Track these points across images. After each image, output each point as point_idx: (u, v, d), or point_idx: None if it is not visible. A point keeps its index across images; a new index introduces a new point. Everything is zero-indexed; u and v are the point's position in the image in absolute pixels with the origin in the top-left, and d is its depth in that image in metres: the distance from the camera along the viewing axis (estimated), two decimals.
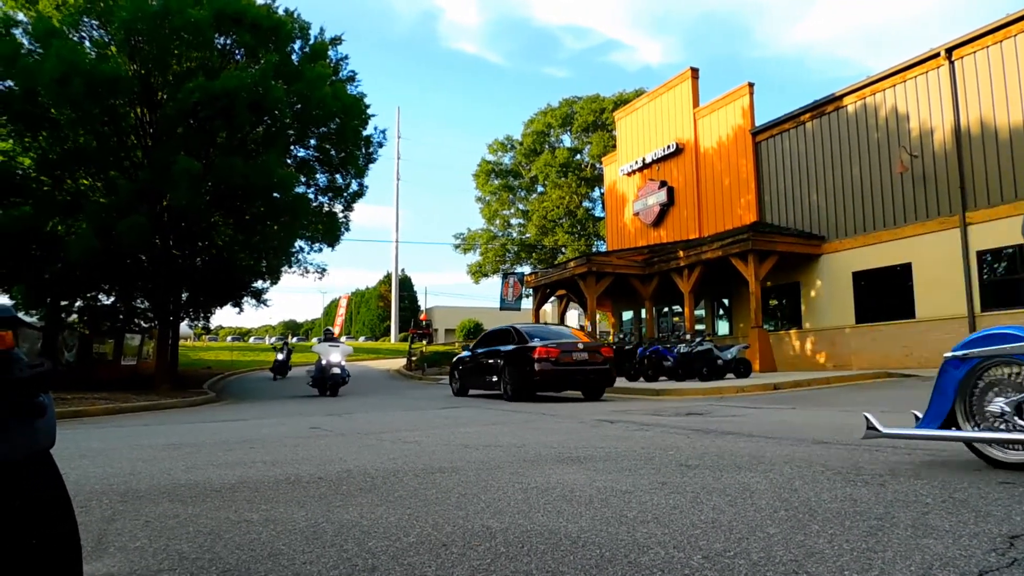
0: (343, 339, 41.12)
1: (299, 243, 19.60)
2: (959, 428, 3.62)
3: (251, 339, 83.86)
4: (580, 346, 11.98)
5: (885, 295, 17.35)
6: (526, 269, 41.68)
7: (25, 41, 14.91)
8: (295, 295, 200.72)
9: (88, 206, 15.15)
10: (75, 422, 9.52)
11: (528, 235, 45.78)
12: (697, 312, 22.42)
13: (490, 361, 13.03)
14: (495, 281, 76.83)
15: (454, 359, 15.57)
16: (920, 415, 3.77)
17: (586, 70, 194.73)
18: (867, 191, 18.01)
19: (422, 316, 49.02)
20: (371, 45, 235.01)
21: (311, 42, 18.30)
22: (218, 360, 35.41)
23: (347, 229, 20.01)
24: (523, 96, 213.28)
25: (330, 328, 24.30)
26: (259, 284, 21.01)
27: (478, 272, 46.34)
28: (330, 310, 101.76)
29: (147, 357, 23.66)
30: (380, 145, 20.01)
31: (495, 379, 12.72)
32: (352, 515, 2.96)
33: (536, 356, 11.50)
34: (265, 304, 21.92)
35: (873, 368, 16.31)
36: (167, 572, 2.22)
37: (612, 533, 2.52)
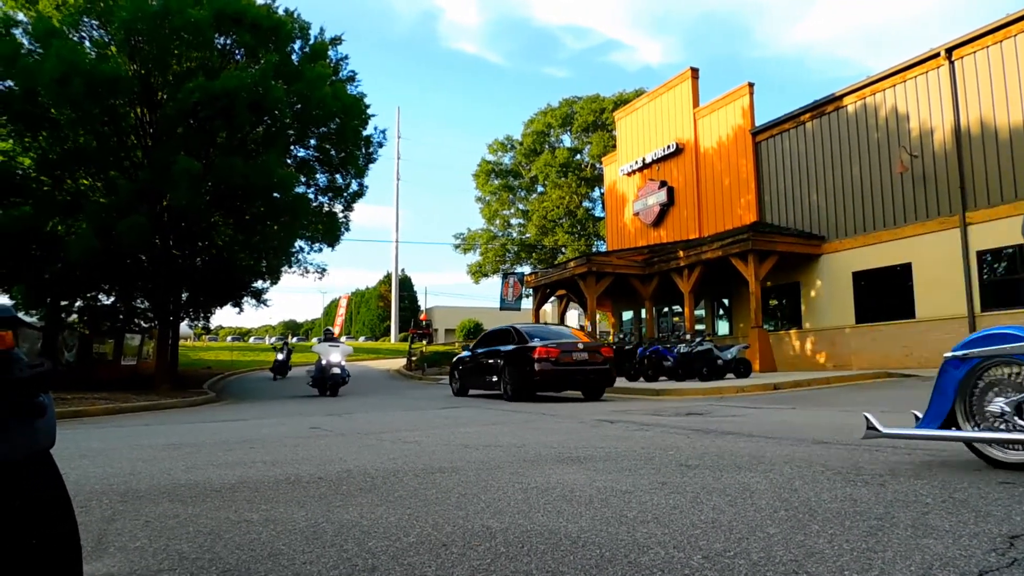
0: (343, 339, 41.14)
1: (299, 243, 19.62)
2: (959, 428, 3.61)
3: (251, 339, 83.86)
4: (580, 346, 11.98)
5: (885, 295, 17.35)
6: (526, 269, 41.68)
7: (25, 41, 14.91)
8: (295, 295, 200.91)
9: (88, 206, 15.15)
10: (75, 422, 9.52)
11: (528, 235, 45.78)
12: (697, 312, 22.42)
13: (490, 361, 13.03)
14: (495, 281, 76.91)
15: (454, 359, 15.58)
16: (920, 415, 3.77)
17: (586, 70, 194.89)
18: (867, 191, 18.01)
19: (422, 316, 49.03)
20: (371, 45, 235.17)
21: (311, 42, 18.30)
22: (218, 360, 35.41)
23: (347, 229, 20.03)
24: (523, 96, 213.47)
25: (330, 328, 24.30)
26: (259, 284, 21.03)
27: (478, 272, 46.35)
28: (330, 310, 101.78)
29: (147, 357, 23.66)
30: (380, 145, 20.03)
31: (495, 379, 12.72)
32: (352, 515, 2.96)
33: (536, 356, 11.50)
34: (265, 304, 21.94)
35: (873, 368, 16.31)
36: (167, 572, 2.22)
37: (612, 533, 2.52)
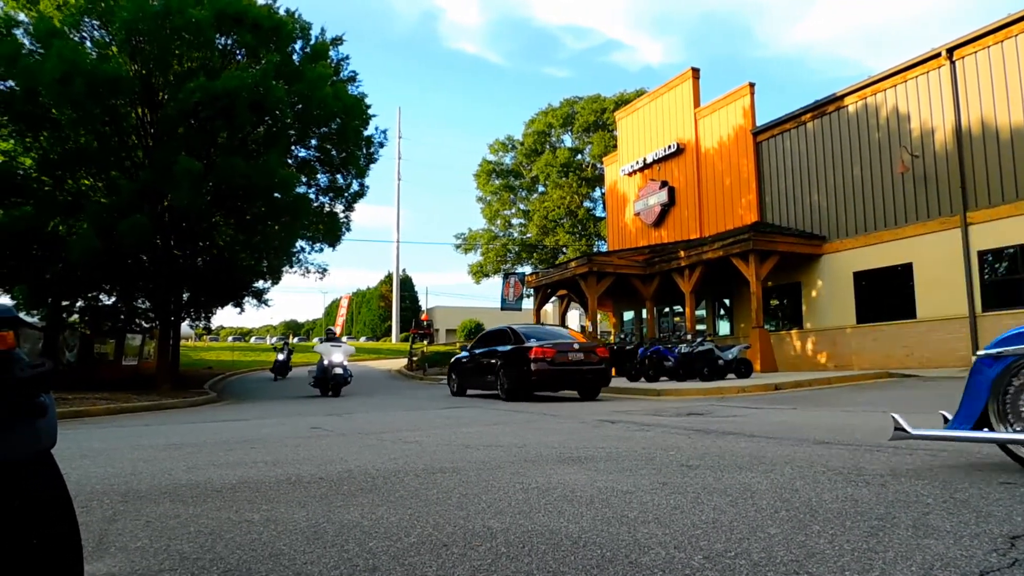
0: (344, 339, 41.13)
1: (300, 243, 19.63)
2: (992, 429, 3.46)
3: (252, 339, 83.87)
4: (576, 346, 12.08)
5: (886, 295, 17.33)
6: (527, 269, 41.69)
7: (26, 41, 14.92)
8: (296, 295, 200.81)
9: (89, 206, 15.17)
10: (76, 422, 9.53)
11: (529, 235, 45.77)
12: (698, 312, 22.41)
13: (487, 361, 13.13)
14: (496, 281, 76.97)
15: (452, 359, 15.65)
16: (948, 416, 3.64)
17: (587, 70, 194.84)
18: (868, 191, 18.00)
19: (423, 316, 49.02)
20: (372, 45, 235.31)
21: (312, 42, 18.31)
22: (219, 360, 35.43)
23: (348, 229, 20.04)
24: (523, 96, 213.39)
25: (332, 328, 24.28)
26: (260, 284, 21.03)
27: (479, 272, 46.35)
28: (331, 310, 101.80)
29: (148, 357, 23.68)
30: (381, 145, 20.04)
31: (492, 379, 12.80)
32: (353, 515, 2.96)
33: (532, 356, 11.59)
34: (266, 304, 21.94)
35: (874, 368, 16.30)
36: (168, 572, 2.22)
37: (613, 533, 2.52)
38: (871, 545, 2.25)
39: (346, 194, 19.83)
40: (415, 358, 29.34)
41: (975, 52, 15.65)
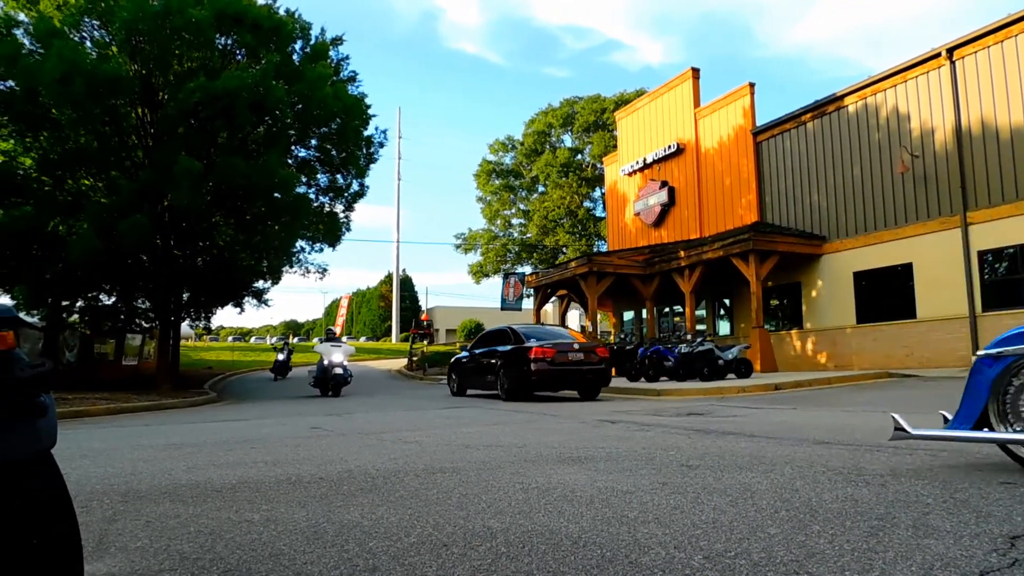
0: (345, 339, 41.16)
1: (300, 243, 19.63)
2: (992, 429, 3.45)
3: (252, 339, 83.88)
4: (576, 346, 12.09)
5: (886, 295, 17.34)
6: (527, 269, 41.70)
7: (26, 41, 14.92)
8: (296, 295, 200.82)
9: (89, 206, 15.17)
10: (76, 422, 9.53)
11: (529, 235, 45.78)
12: (698, 312, 22.41)
13: (487, 361, 13.14)
14: (496, 281, 76.94)
15: (452, 359, 15.65)
16: (949, 416, 3.63)
17: (587, 70, 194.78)
18: (868, 191, 18.00)
19: (423, 316, 49.02)
20: (372, 45, 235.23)
21: (312, 42, 18.31)
22: (219, 360, 35.43)
23: (348, 229, 20.04)
24: (523, 96, 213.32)
25: (332, 328, 24.29)
26: (260, 284, 21.03)
27: (479, 272, 46.35)
28: (331, 310, 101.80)
29: (148, 357, 23.68)
30: (381, 145, 20.04)
31: (492, 379, 12.81)
32: (353, 515, 2.96)
33: (532, 356, 11.61)
34: (266, 304, 21.94)
35: (874, 368, 16.30)
36: (168, 572, 2.22)
37: (613, 533, 2.52)
38: (871, 545, 2.25)
39: (346, 194, 19.84)
40: (415, 358, 29.34)
41: (975, 52, 15.65)
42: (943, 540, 2.28)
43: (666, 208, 24.84)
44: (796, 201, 20.13)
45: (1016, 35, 14.88)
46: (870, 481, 3.38)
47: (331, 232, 19.28)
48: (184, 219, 16.12)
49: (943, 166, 16.26)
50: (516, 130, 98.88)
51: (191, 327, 25.65)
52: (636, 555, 2.23)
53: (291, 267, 20.41)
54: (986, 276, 15.32)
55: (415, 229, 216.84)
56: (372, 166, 20.63)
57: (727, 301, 22.40)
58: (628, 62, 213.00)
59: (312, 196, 18.88)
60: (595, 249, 40.57)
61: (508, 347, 12.50)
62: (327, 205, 19.80)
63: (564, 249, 44.02)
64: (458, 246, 48.09)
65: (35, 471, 1.37)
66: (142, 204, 15.10)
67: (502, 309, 31.72)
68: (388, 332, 78.46)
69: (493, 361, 12.85)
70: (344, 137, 18.03)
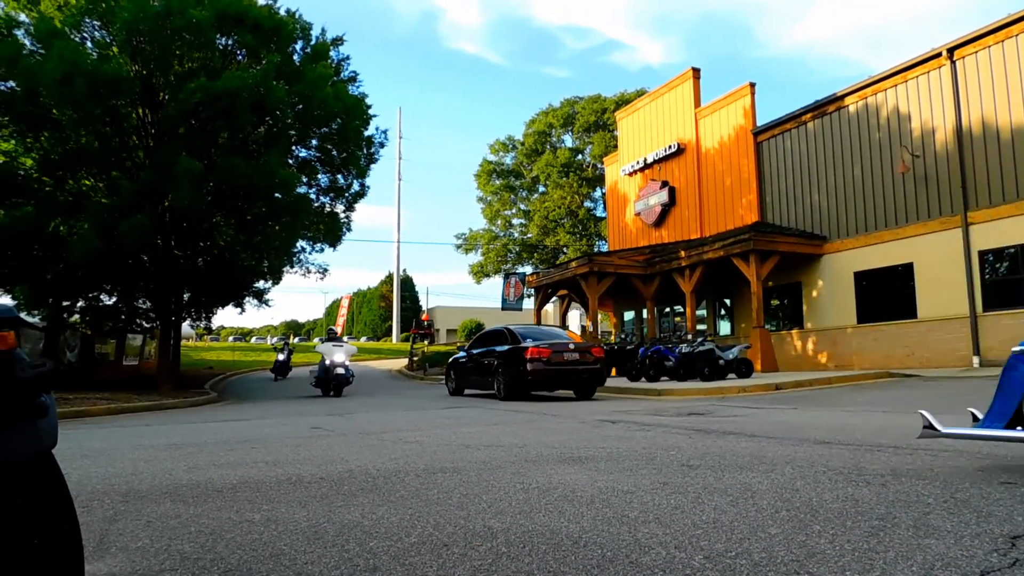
0: (346, 339, 41.18)
1: (301, 243, 19.64)
2: None
3: (253, 339, 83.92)
4: (571, 346, 12.18)
5: (887, 295, 17.33)
6: (528, 269, 41.68)
7: (27, 42, 14.94)
8: (297, 295, 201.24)
9: (90, 206, 15.18)
10: (77, 422, 9.53)
11: (530, 235, 45.76)
12: (699, 312, 22.40)
13: (485, 361, 13.24)
14: (497, 281, 76.95)
15: (449, 360, 15.69)
16: (979, 414, 3.52)
17: (587, 70, 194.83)
18: (868, 191, 17.99)
19: (424, 316, 49.05)
20: (372, 45, 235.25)
21: (312, 43, 18.32)
22: (220, 360, 35.45)
23: (348, 229, 20.04)
24: (523, 96, 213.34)
25: (333, 328, 24.33)
26: (261, 284, 21.03)
27: (480, 272, 46.34)
28: (332, 310, 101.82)
29: (149, 357, 23.69)
30: (381, 145, 20.05)
31: (490, 379, 12.89)
32: (354, 515, 2.96)
33: (528, 356, 11.69)
34: (267, 304, 21.93)
35: (875, 368, 16.29)
36: (169, 572, 2.22)
37: (614, 533, 2.52)
38: (872, 545, 2.25)
39: (347, 194, 19.84)
40: (416, 358, 29.35)
41: (975, 52, 15.64)
42: (944, 540, 2.28)
43: (666, 208, 24.83)
44: (797, 201, 20.12)
45: (1016, 35, 14.87)
46: (871, 481, 3.38)
47: (332, 232, 19.29)
48: (185, 219, 16.13)
49: (944, 166, 16.26)
50: (516, 130, 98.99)
51: (192, 327, 25.66)
52: (637, 555, 2.23)
53: (292, 267, 20.42)
54: (987, 276, 15.31)
55: (415, 229, 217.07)
56: (372, 166, 20.62)
57: (728, 301, 22.39)
58: (628, 62, 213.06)
59: (313, 196, 18.90)
60: (596, 249, 40.56)
61: (505, 347, 12.57)
62: (328, 205, 19.81)
63: (565, 249, 44.01)
64: (459, 246, 48.12)
65: (36, 471, 1.37)
66: (143, 204, 15.11)
67: (503, 309, 31.73)
68: (389, 332, 78.48)
69: (490, 361, 12.92)
70: (345, 137, 18.04)
